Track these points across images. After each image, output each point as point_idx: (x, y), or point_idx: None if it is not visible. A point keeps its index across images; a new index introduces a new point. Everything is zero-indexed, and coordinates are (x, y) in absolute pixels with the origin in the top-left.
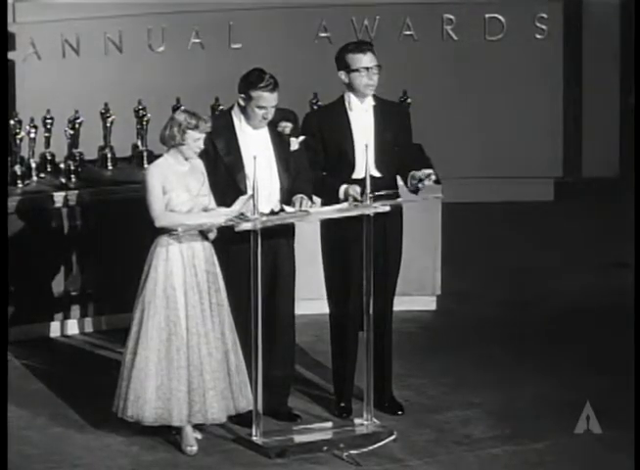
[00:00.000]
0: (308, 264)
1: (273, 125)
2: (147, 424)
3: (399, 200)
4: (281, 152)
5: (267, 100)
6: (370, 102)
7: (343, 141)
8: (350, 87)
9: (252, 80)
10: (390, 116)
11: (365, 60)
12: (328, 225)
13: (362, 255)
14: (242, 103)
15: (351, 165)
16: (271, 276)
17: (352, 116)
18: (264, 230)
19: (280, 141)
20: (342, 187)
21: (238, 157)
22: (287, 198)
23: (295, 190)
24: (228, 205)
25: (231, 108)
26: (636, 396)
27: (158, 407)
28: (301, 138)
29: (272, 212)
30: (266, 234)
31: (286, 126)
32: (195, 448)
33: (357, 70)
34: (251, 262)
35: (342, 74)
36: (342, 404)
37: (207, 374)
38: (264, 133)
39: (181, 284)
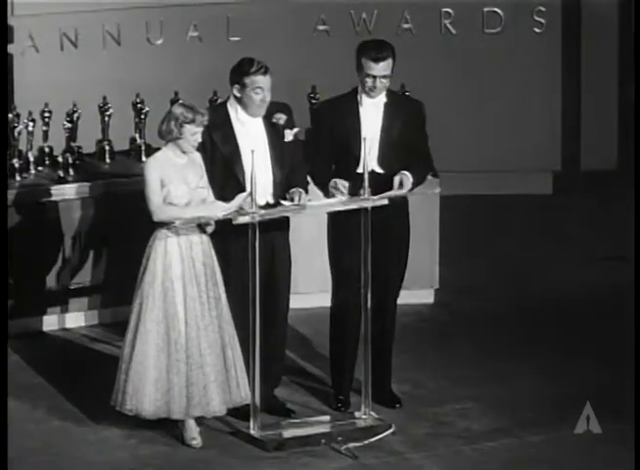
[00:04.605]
0: (308, 258)
1: (268, 117)
2: (146, 417)
3: (397, 192)
4: (275, 144)
5: (262, 82)
6: (382, 98)
7: (351, 135)
8: (360, 84)
9: (244, 68)
10: (401, 112)
11: (377, 69)
12: (334, 218)
13: (366, 248)
14: (237, 93)
15: (356, 160)
16: (268, 268)
17: (362, 110)
18: (261, 222)
19: (274, 133)
20: (332, 180)
21: (235, 148)
22: (281, 191)
23: (291, 183)
24: (226, 197)
25: (226, 100)
26: (636, 391)
27: (156, 400)
28: (295, 130)
29: (267, 205)
30: (263, 226)
31: (280, 118)
32: (199, 441)
33: (367, 75)
34: (246, 255)
35: (356, 69)
36: (341, 397)
37: (208, 367)
38: (260, 124)
39: (179, 277)
